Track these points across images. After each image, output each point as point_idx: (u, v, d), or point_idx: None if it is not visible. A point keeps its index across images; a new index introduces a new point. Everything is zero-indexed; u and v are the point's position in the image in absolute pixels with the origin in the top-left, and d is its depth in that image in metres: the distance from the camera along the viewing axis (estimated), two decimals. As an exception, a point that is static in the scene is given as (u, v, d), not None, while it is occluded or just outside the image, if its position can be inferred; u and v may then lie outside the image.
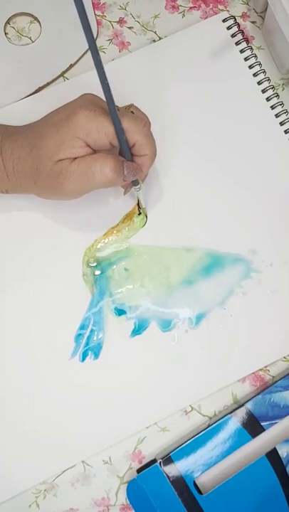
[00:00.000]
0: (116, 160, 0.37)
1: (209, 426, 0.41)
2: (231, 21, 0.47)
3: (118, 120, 0.36)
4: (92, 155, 0.37)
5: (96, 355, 0.43)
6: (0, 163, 0.39)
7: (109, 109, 0.35)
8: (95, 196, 0.45)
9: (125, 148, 0.38)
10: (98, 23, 0.48)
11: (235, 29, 0.47)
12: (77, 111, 0.37)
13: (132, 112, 0.40)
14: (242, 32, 0.47)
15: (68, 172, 0.37)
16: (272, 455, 0.40)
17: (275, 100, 0.46)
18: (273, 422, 0.41)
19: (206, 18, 0.49)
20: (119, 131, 0.36)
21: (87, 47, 0.48)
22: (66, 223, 0.45)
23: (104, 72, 0.34)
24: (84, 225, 0.45)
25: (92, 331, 0.43)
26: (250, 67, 0.47)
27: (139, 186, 0.42)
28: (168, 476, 0.40)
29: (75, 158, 0.37)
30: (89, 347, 0.43)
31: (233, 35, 0.47)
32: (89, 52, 0.48)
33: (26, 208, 0.45)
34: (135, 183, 0.41)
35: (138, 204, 0.45)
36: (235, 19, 0.48)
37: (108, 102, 0.35)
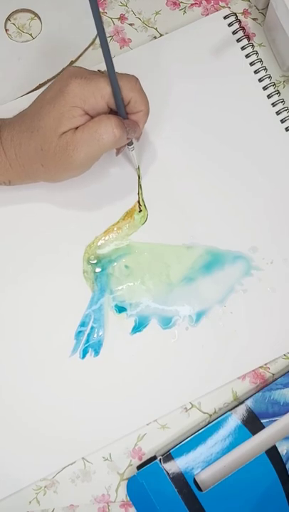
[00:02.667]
0: (118, 118, 0.37)
1: (209, 423, 0.41)
2: (232, 18, 0.47)
3: (115, 78, 0.36)
4: (94, 119, 0.37)
5: (96, 353, 0.43)
6: (1, 152, 0.39)
7: (107, 67, 0.35)
8: (95, 194, 0.45)
9: (122, 107, 0.38)
10: (99, 19, 0.48)
11: (236, 26, 0.47)
12: (69, 81, 0.37)
13: None
14: (243, 29, 0.47)
15: (75, 141, 0.37)
16: (272, 452, 0.40)
17: (276, 97, 0.46)
18: (273, 419, 0.41)
19: (207, 14, 0.48)
20: (116, 89, 0.36)
21: (88, 44, 0.48)
22: (67, 221, 0.45)
23: (102, 25, 0.34)
24: (84, 222, 0.45)
25: (92, 328, 0.43)
26: (252, 64, 0.47)
27: (132, 146, 0.42)
28: (168, 473, 0.40)
29: (77, 127, 0.37)
30: (89, 344, 0.43)
31: (234, 32, 0.47)
32: (89, 50, 0.48)
33: (27, 206, 0.45)
34: (129, 142, 0.41)
35: (139, 201, 0.45)
36: (237, 16, 0.48)
37: (106, 60, 0.35)
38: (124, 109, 0.38)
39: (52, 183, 0.41)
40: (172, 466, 0.40)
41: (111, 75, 0.36)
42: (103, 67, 0.47)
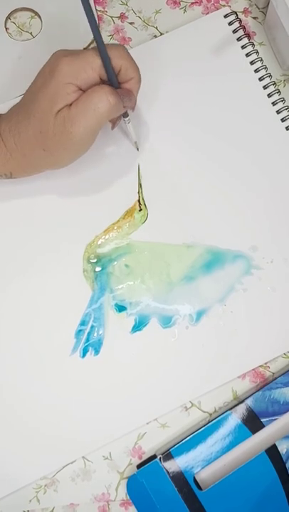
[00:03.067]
0: (111, 87, 0.37)
1: (209, 422, 0.41)
2: (233, 17, 0.47)
3: (104, 47, 0.36)
4: (86, 91, 0.37)
5: (96, 352, 0.43)
6: (0, 144, 0.39)
7: (95, 36, 0.35)
8: (95, 193, 0.45)
9: (113, 77, 0.37)
10: (99, 18, 0.48)
11: (236, 25, 0.47)
12: (58, 62, 0.37)
13: None
14: (243, 28, 0.47)
15: (71, 116, 0.37)
16: (272, 451, 0.40)
17: (276, 96, 0.46)
18: (273, 418, 0.41)
19: (208, 13, 0.48)
20: (106, 59, 0.36)
21: (88, 42, 0.48)
22: (67, 220, 0.45)
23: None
24: (84, 221, 0.45)
25: (92, 327, 0.43)
26: (252, 63, 0.47)
27: (128, 118, 0.42)
28: (168, 472, 0.40)
29: (71, 104, 0.37)
30: (89, 343, 0.43)
31: (234, 31, 0.47)
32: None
33: (27, 205, 0.45)
34: (124, 114, 0.41)
35: (139, 200, 0.45)
36: (237, 15, 0.47)
37: (93, 29, 0.35)
38: (116, 78, 0.38)
39: (57, 168, 0.41)
40: (172, 465, 0.40)
41: (99, 44, 0.35)
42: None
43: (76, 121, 0.37)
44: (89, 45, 0.48)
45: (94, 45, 0.48)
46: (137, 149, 0.45)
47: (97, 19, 0.35)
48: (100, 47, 0.36)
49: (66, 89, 0.36)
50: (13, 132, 0.38)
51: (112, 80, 0.38)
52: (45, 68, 0.38)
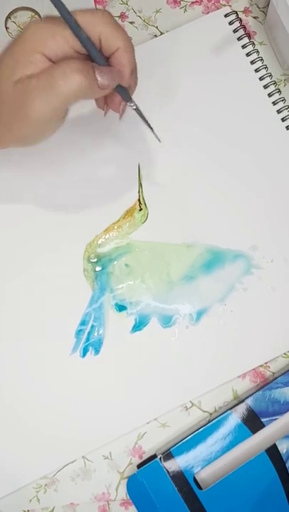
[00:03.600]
0: (83, 63, 0.31)
1: (209, 422, 0.41)
2: (233, 16, 0.47)
3: (66, 11, 0.30)
4: (53, 65, 0.32)
5: (96, 351, 0.43)
6: None
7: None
8: (95, 192, 0.45)
9: (91, 49, 0.31)
10: (99, 17, 0.48)
11: (237, 24, 0.47)
12: (28, 26, 0.32)
13: None
14: (244, 27, 0.47)
15: (30, 89, 0.31)
16: (272, 451, 0.40)
17: (276, 96, 0.46)
18: (273, 418, 0.41)
19: (208, 13, 0.48)
20: (74, 26, 0.30)
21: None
22: (67, 219, 0.45)
23: None
24: (84, 220, 0.45)
25: (92, 326, 0.43)
26: (252, 62, 0.47)
27: (133, 104, 0.36)
28: (168, 472, 0.40)
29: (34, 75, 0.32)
30: (89, 343, 0.43)
31: (234, 31, 0.47)
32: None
33: (27, 205, 0.45)
34: (126, 97, 0.35)
35: (139, 200, 0.45)
36: (237, 14, 0.47)
37: None
38: (96, 51, 0.31)
39: (21, 147, 0.36)
40: (172, 465, 0.40)
41: (57, 4, 0.29)
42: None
43: (35, 96, 0.31)
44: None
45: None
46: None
47: None
48: (60, 10, 0.30)
49: (29, 58, 0.31)
50: None
51: (92, 53, 0.31)
52: (17, 35, 0.33)
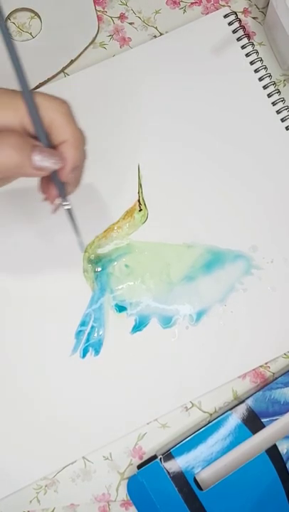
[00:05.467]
0: (21, 138, 0.29)
1: (210, 422, 0.41)
2: (232, 17, 0.47)
3: (27, 89, 0.28)
4: None
5: (97, 352, 0.43)
6: None
7: (17, 75, 0.28)
8: (95, 192, 0.45)
9: (40, 131, 0.29)
10: (99, 18, 0.48)
11: (236, 25, 0.47)
12: None
13: None
14: (243, 28, 0.47)
15: None
16: (273, 451, 0.40)
17: (276, 96, 0.46)
18: (274, 418, 0.41)
19: (208, 13, 0.48)
20: (31, 105, 0.29)
21: (88, 43, 0.48)
22: (67, 220, 0.45)
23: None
24: (84, 221, 0.44)
25: (92, 327, 0.43)
26: (252, 63, 0.47)
27: (68, 204, 0.33)
28: (168, 472, 0.40)
29: None
30: (89, 343, 0.43)
31: (234, 31, 0.47)
32: (89, 49, 0.48)
33: (27, 205, 0.45)
34: (61, 193, 0.32)
35: (139, 200, 0.45)
36: (237, 15, 0.47)
37: (12, 58, 0.27)
38: (43, 132, 0.30)
39: None
40: (173, 465, 0.40)
41: (21, 83, 0.28)
42: (103, 65, 0.47)
43: None
44: (86, 47, 0.48)
45: (92, 47, 0.48)
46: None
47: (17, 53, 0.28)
48: (22, 86, 0.28)
49: None
50: None
51: (37, 132, 0.29)
52: None
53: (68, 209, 0.34)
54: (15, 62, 0.27)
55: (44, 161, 0.29)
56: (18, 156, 0.29)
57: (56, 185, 0.32)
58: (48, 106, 0.29)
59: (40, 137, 0.30)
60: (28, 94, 0.28)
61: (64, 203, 0.33)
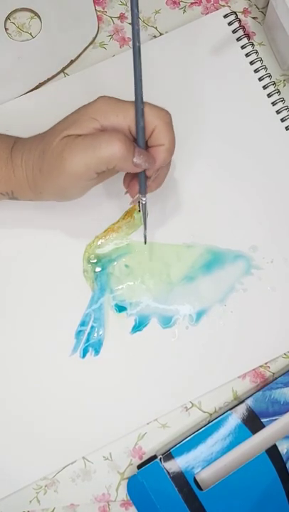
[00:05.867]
0: (126, 137, 0.35)
1: (209, 422, 0.41)
2: (232, 17, 0.47)
3: (141, 96, 0.34)
4: (102, 131, 0.35)
5: (96, 352, 0.43)
6: (8, 159, 0.38)
7: (135, 81, 0.33)
8: (95, 193, 0.45)
9: (140, 133, 0.35)
10: (99, 18, 0.48)
11: (236, 25, 0.47)
12: (98, 98, 0.36)
13: None
14: (243, 28, 0.47)
15: (73, 145, 0.34)
16: (273, 451, 0.40)
17: (276, 97, 0.46)
18: (273, 418, 0.41)
19: (207, 13, 0.48)
20: (140, 111, 0.34)
21: (87, 43, 0.48)
22: (67, 220, 0.45)
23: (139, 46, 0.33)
24: (84, 221, 0.45)
25: (92, 327, 0.43)
26: (252, 63, 0.47)
27: (145, 199, 0.39)
28: (168, 472, 0.40)
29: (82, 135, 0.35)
30: (89, 343, 0.43)
31: (234, 31, 0.47)
32: (89, 49, 0.48)
33: (27, 205, 0.45)
34: (142, 191, 0.38)
35: (139, 201, 0.45)
36: (237, 15, 0.47)
37: (135, 73, 0.33)
38: (143, 136, 0.35)
39: (54, 198, 0.39)
40: (172, 466, 0.40)
41: (137, 94, 0.34)
42: (103, 65, 0.47)
43: (74, 151, 0.35)
44: (86, 47, 0.48)
45: (91, 47, 0.48)
46: (145, 242, 0.43)
47: (141, 74, 0.34)
48: (136, 98, 0.34)
49: (87, 121, 0.35)
50: (25, 148, 0.37)
51: (138, 135, 0.35)
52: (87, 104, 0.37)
53: (144, 204, 0.39)
54: (137, 76, 0.34)
55: (141, 159, 0.35)
56: (125, 151, 0.34)
57: (140, 182, 0.37)
58: (154, 114, 0.35)
59: (140, 140, 0.35)
60: (140, 104, 0.34)
61: (142, 198, 0.39)
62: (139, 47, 0.33)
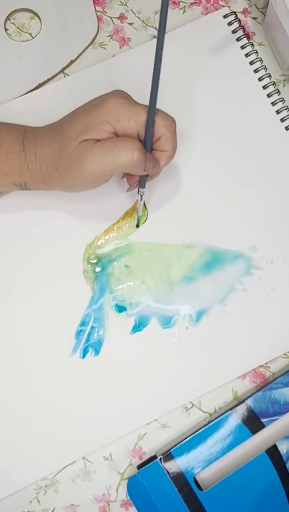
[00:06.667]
0: (141, 145, 0.37)
1: (209, 422, 0.41)
2: (232, 17, 0.47)
3: (154, 108, 0.36)
4: (117, 137, 0.38)
5: (96, 352, 0.43)
6: (21, 152, 0.39)
7: (151, 95, 0.35)
8: (95, 193, 0.45)
9: (149, 139, 0.38)
10: (98, 18, 0.48)
11: (236, 25, 0.47)
12: (110, 97, 0.37)
13: None
14: (243, 28, 0.47)
15: (92, 150, 0.37)
16: (273, 451, 0.40)
17: (276, 97, 0.46)
18: (273, 418, 0.41)
19: (207, 14, 0.48)
20: (151, 120, 0.36)
21: (87, 44, 0.48)
22: (66, 220, 0.45)
23: (161, 55, 0.34)
24: (84, 222, 0.45)
25: (92, 327, 0.43)
26: (251, 63, 0.47)
27: (143, 191, 0.42)
28: (168, 472, 0.40)
29: (99, 140, 0.37)
30: (89, 343, 0.43)
31: (234, 31, 0.47)
32: (88, 50, 0.48)
33: (27, 205, 0.45)
34: (142, 184, 0.41)
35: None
36: (236, 15, 0.47)
37: (153, 87, 0.35)
38: (150, 142, 0.38)
39: (63, 190, 0.41)
40: (172, 466, 0.40)
41: (151, 105, 0.36)
42: (102, 66, 0.47)
43: (94, 156, 0.37)
44: (86, 47, 0.48)
45: (91, 48, 0.48)
46: (137, 226, 0.45)
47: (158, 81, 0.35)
48: (150, 109, 0.36)
49: (102, 126, 0.37)
50: (37, 143, 0.39)
51: (147, 141, 0.38)
52: (97, 98, 0.38)
53: (142, 195, 0.42)
54: (154, 85, 0.35)
55: (151, 167, 0.38)
56: (142, 158, 0.37)
57: (140, 178, 0.40)
58: (163, 124, 0.38)
59: (148, 146, 0.38)
60: (152, 117, 0.36)
61: (141, 190, 0.42)
62: (159, 69, 0.35)
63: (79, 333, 0.43)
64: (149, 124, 0.37)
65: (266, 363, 0.43)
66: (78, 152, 0.37)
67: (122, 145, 0.37)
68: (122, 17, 0.49)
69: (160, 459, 0.40)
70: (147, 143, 0.38)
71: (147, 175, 0.40)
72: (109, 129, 0.37)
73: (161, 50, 0.34)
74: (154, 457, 0.40)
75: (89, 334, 0.43)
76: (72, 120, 0.38)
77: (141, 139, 0.38)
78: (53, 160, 0.38)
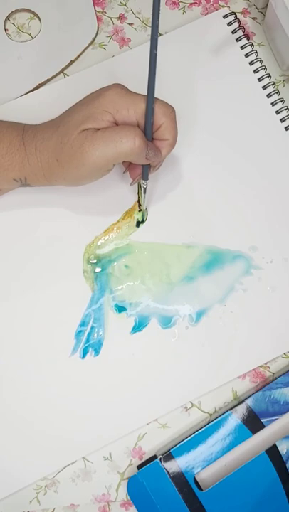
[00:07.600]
0: (142, 133, 0.37)
1: (209, 422, 0.41)
2: (232, 17, 0.47)
3: (153, 96, 0.36)
4: (119, 125, 0.37)
5: (96, 352, 0.43)
6: (21, 147, 0.39)
7: (149, 83, 0.35)
8: (94, 193, 0.45)
9: (149, 128, 0.38)
10: (98, 19, 0.48)
11: (235, 25, 0.47)
12: (109, 88, 0.38)
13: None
14: (243, 28, 0.47)
15: (93, 138, 0.37)
16: (272, 451, 0.40)
17: (275, 97, 0.46)
18: (273, 418, 0.41)
19: (207, 14, 0.48)
20: (150, 108, 0.37)
21: (87, 44, 0.48)
22: (66, 220, 0.45)
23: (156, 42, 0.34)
24: (84, 222, 0.45)
25: (92, 327, 0.43)
26: (251, 63, 0.47)
27: (146, 183, 0.42)
28: (168, 472, 0.40)
29: (100, 129, 0.37)
30: (89, 344, 0.43)
31: (233, 32, 0.47)
32: (88, 50, 0.48)
33: (27, 205, 0.45)
34: (145, 176, 0.41)
35: (138, 201, 0.45)
36: (236, 15, 0.48)
37: (150, 75, 0.35)
38: (151, 130, 0.38)
39: (65, 185, 0.41)
40: (172, 466, 0.40)
41: (150, 94, 0.36)
42: (102, 66, 0.47)
43: (95, 144, 0.37)
44: (86, 48, 0.48)
45: (91, 48, 0.48)
46: (142, 222, 0.45)
47: (155, 72, 0.36)
48: (149, 97, 0.36)
49: (102, 116, 0.37)
50: (37, 137, 0.39)
51: (147, 130, 0.38)
52: (97, 91, 0.39)
53: (145, 187, 0.42)
54: (151, 82, 0.36)
55: (152, 156, 0.38)
56: (144, 145, 0.37)
57: (143, 170, 0.40)
58: (162, 112, 0.38)
59: (149, 135, 0.38)
60: (151, 105, 0.37)
61: (144, 182, 0.42)
62: (155, 54, 0.35)
63: (79, 333, 0.43)
64: (149, 112, 0.37)
65: (266, 363, 0.43)
66: (79, 142, 0.37)
67: (123, 132, 0.36)
68: (121, 17, 0.49)
69: (160, 459, 0.40)
70: (148, 131, 0.38)
71: (150, 166, 0.40)
72: (109, 119, 0.37)
73: (156, 35, 0.34)
74: (154, 457, 0.40)
75: (89, 334, 0.43)
76: (71, 113, 0.38)
77: (141, 128, 0.38)
78: (53, 152, 0.38)
